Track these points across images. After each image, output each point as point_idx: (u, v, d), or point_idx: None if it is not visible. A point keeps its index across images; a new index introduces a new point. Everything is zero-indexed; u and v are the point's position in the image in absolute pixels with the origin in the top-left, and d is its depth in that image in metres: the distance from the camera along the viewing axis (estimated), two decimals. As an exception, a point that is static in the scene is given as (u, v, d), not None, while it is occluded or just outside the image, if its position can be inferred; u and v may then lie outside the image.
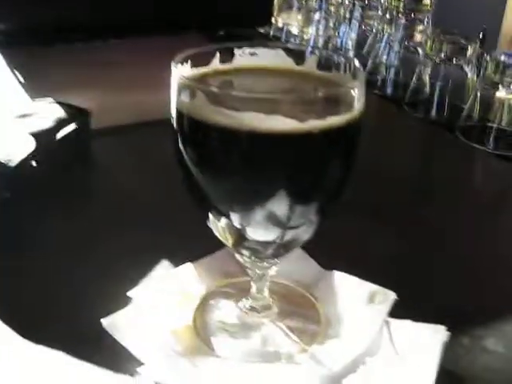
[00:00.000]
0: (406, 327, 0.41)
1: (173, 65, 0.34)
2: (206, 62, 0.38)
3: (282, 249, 0.38)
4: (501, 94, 0.72)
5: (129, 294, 0.43)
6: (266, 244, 0.37)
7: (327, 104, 0.32)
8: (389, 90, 0.86)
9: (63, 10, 0.91)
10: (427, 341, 0.39)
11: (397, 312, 0.42)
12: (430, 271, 0.48)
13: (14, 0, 0.89)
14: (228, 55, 0.38)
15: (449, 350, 0.40)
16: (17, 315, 0.42)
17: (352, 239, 0.52)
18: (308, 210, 0.35)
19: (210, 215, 0.37)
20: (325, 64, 0.38)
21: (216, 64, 0.38)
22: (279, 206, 0.34)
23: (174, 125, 0.35)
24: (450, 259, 0.51)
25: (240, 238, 0.37)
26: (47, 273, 0.46)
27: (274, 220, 0.35)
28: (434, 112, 0.78)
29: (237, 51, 0.39)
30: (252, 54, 0.39)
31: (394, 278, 0.45)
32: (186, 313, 0.42)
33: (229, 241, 0.38)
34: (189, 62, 0.36)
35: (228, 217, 0.36)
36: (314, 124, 0.31)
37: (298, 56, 0.39)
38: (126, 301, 0.42)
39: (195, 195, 0.37)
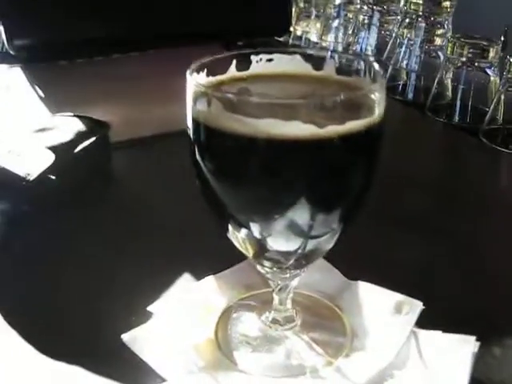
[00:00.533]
0: (434, 338, 0.39)
1: (188, 73, 0.33)
2: (223, 70, 0.37)
3: (304, 259, 0.37)
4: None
5: (149, 308, 0.42)
6: (287, 254, 0.36)
7: (346, 109, 0.31)
8: (410, 96, 0.85)
9: (84, 25, 0.91)
10: (457, 352, 0.38)
11: (425, 322, 0.41)
12: (458, 279, 0.47)
13: (35, 16, 0.89)
14: (244, 62, 0.38)
15: (480, 361, 0.38)
16: (35, 331, 0.41)
17: (377, 248, 0.50)
18: (330, 218, 0.34)
19: (230, 226, 0.36)
20: (344, 68, 0.37)
21: (232, 71, 0.37)
22: (300, 214, 0.33)
23: (191, 135, 0.34)
24: (479, 266, 0.49)
25: (261, 248, 0.36)
26: (66, 287, 0.46)
27: (295, 229, 0.34)
28: (456, 116, 0.77)
29: (253, 58, 0.38)
30: (269, 61, 0.38)
31: (421, 286, 0.44)
32: (208, 326, 0.41)
33: (249, 252, 0.37)
34: (205, 70, 0.36)
35: (248, 227, 0.35)
36: (334, 129, 0.30)
37: (316, 61, 0.38)
38: (146, 315, 0.42)
39: (214, 206, 0.36)
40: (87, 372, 0.37)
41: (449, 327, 0.40)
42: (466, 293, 0.45)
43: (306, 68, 0.38)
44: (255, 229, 0.34)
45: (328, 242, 0.36)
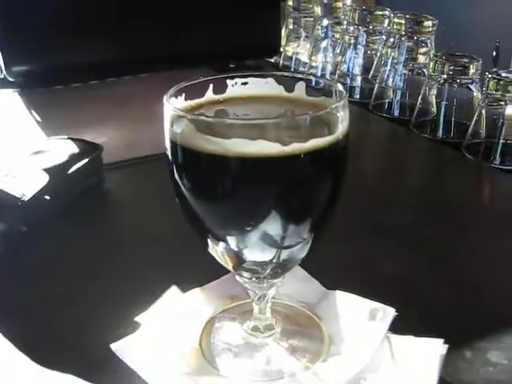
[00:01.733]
0: (405, 342, 0.41)
1: (165, 98, 0.36)
2: (201, 94, 0.40)
3: (279, 268, 0.39)
4: (509, 111, 0.72)
5: (136, 319, 0.44)
6: (263, 264, 0.38)
7: (311, 127, 0.33)
8: (396, 112, 0.87)
9: (78, 51, 0.94)
10: (425, 354, 0.40)
11: (398, 327, 0.43)
12: (430, 287, 0.49)
13: (31, 43, 0.92)
14: (221, 86, 0.40)
15: (451, 365, 0.40)
16: (27, 340, 0.44)
17: (358, 260, 0.53)
18: (301, 229, 0.37)
19: (209, 241, 0.38)
20: (313, 90, 0.40)
21: (210, 95, 0.40)
22: (272, 226, 0.35)
23: (169, 155, 0.36)
24: (452, 276, 0.51)
25: (238, 260, 0.38)
26: (57, 300, 0.48)
27: (268, 240, 0.36)
28: (440, 131, 0.79)
29: (229, 82, 0.40)
30: (244, 84, 0.41)
31: (395, 294, 0.46)
32: (193, 336, 0.44)
33: (229, 264, 0.39)
34: (183, 94, 0.38)
35: (225, 241, 0.37)
36: (298, 147, 0.33)
37: (287, 83, 0.40)
38: (134, 326, 0.44)
39: (193, 223, 0.38)
40: (77, 379, 0.40)
41: (421, 332, 0.42)
42: (439, 300, 0.48)
43: (279, 90, 0.40)
44: (232, 242, 0.37)
45: (301, 252, 0.38)
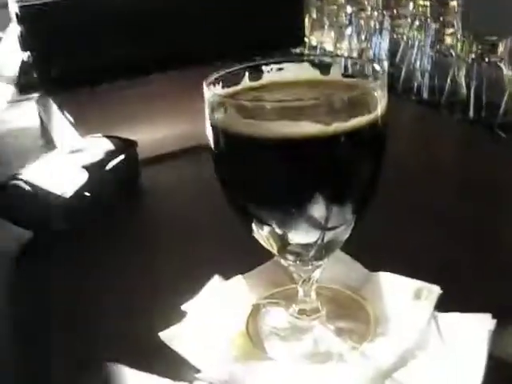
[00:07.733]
0: (452, 319, 0.41)
1: (204, 85, 0.37)
2: (237, 82, 0.40)
3: (323, 250, 0.39)
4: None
5: (183, 307, 0.45)
6: (308, 246, 0.39)
7: (350, 107, 0.34)
8: (425, 95, 0.87)
9: (104, 51, 0.96)
10: (474, 330, 0.40)
11: (443, 306, 0.43)
12: (473, 264, 0.49)
13: (60, 47, 0.94)
14: (257, 73, 0.41)
15: (499, 339, 0.40)
16: (77, 330, 0.45)
17: (397, 241, 0.53)
18: (344, 211, 0.37)
19: (254, 226, 0.39)
20: (349, 71, 0.40)
21: (246, 82, 0.40)
22: (316, 208, 0.36)
23: (211, 143, 0.37)
24: (494, 253, 0.51)
25: (283, 242, 0.39)
26: (105, 292, 0.49)
27: (312, 222, 0.37)
28: (471, 112, 0.78)
29: (265, 68, 0.41)
30: (279, 70, 0.41)
31: (438, 273, 0.46)
32: (240, 321, 0.44)
33: (274, 247, 0.40)
34: (220, 83, 0.39)
35: (270, 224, 0.37)
36: (339, 126, 0.33)
37: (323, 67, 0.41)
38: (181, 314, 0.45)
39: (238, 208, 0.39)
40: (128, 367, 0.40)
41: (466, 309, 0.42)
42: (482, 277, 0.47)
43: (315, 74, 0.41)
44: (276, 225, 0.37)
45: (344, 233, 0.38)
